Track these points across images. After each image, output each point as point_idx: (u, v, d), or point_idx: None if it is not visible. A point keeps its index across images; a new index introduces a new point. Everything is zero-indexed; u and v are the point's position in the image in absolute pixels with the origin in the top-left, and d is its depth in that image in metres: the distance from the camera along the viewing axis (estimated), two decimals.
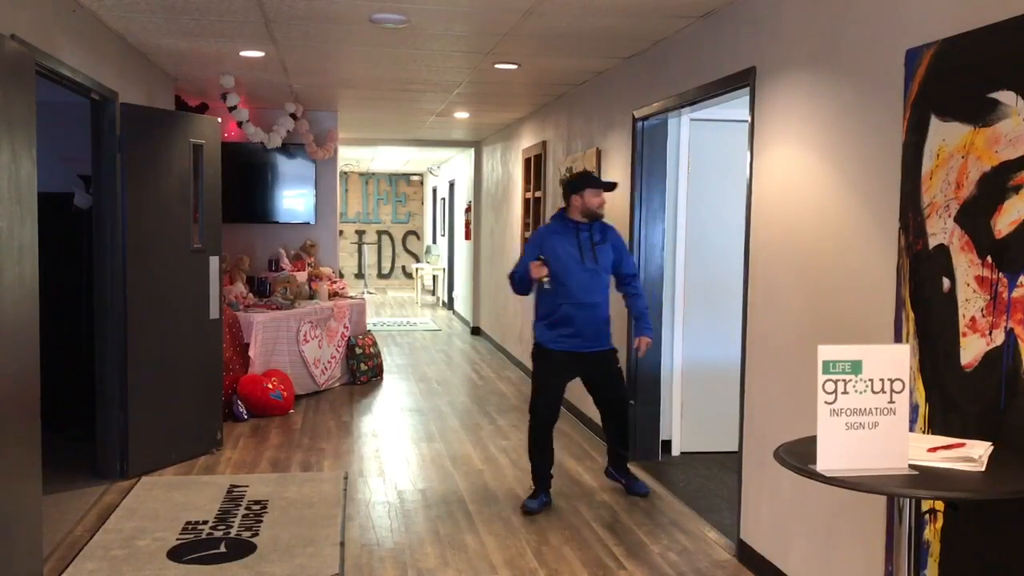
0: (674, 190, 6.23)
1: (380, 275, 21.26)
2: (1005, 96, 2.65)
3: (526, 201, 9.61)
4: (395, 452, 6.43)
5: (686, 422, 6.35)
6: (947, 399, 2.89)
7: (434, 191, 19.17)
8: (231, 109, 7.92)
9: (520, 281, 5.07)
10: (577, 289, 4.96)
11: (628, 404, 5.39)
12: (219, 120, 6.40)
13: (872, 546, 3.33)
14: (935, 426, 2.93)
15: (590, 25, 5.26)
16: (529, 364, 9.33)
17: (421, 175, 21.05)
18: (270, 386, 7.39)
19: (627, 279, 5.16)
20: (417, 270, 19.14)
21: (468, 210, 13.75)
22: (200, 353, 6.08)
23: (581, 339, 5.01)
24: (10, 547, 3.72)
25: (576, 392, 7.54)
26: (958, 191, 2.84)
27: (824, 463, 2.33)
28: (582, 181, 5.09)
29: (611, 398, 5.30)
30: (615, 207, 6.45)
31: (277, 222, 9.52)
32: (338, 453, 6.36)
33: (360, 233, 21.13)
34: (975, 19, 2.78)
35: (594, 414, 6.96)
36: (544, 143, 8.80)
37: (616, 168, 6.48)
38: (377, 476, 5.81)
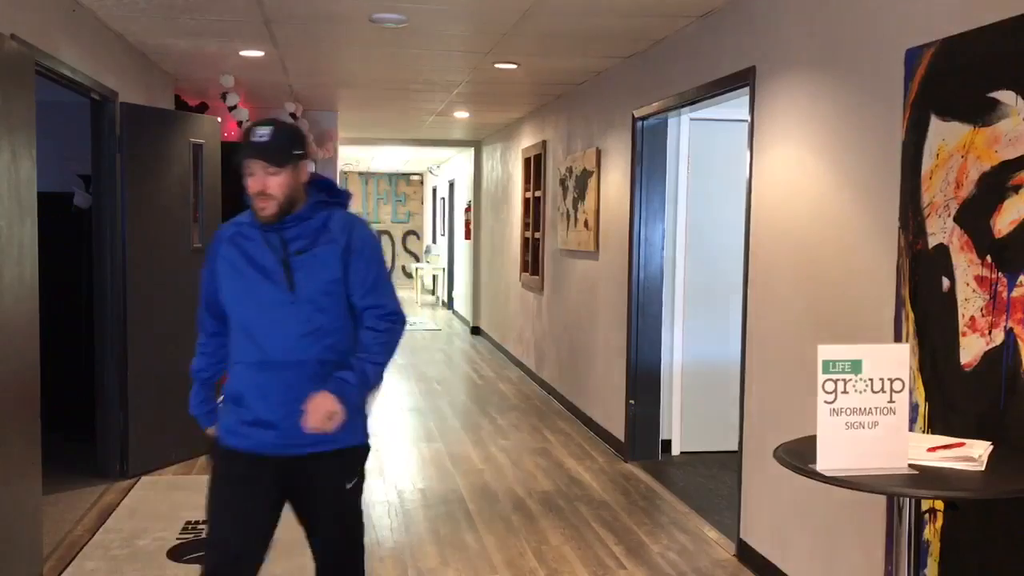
0: (674, 190, 6.23)
1: None
2: (1005, 96, 2.65)
3: (526, 201, 9.61)
4: (395, 452, 6.44)
5: (686, 422, 6.35)
6: (947, 399, 2.89)
7: (434, 191, 19.18)
8: (231, 109, 7.92)
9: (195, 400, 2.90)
10: (254, 336, 2.67)
11: None
12: (219, 120, 6.40)
13: (872, 546, 3.33)
14: (935, 426, 2.93)
15: (590, 25, 5.26)
16: (530, 364, 9.40)
17: (421, 175, 21.05)
18: None
19: (364, 313, 2.73)
20: (417, 270, 19.15)
21: (468, 210, 13.75)
22: None
23: (268, 430, 2.65)
24: (10, 547, 3.72)
25: (573, 389, 7.55)
26: (958, 191, 2.84)
27: (824, 463, 2.33)
28: (238, 147, 2.70)
29: (326, 565, 2.86)
30: (615, 207, 6.46)
31: None
32: None
33: None
34: (975, 19, 2.78)
35: (594, 413, 6.97)
36: (544, 143, 8.80)
37: (616, 168, 6.48)
38: (377, 476, 5.81)
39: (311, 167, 2.76)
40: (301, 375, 2.62)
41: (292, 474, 2.70)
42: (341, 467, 2.73)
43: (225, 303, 2.73)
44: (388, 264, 2.69)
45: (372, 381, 2.69)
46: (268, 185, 2.62)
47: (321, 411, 2.55)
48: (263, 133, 2.63)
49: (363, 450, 2.79)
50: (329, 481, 2.72)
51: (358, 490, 2.80)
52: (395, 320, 2.75)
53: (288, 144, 2.65)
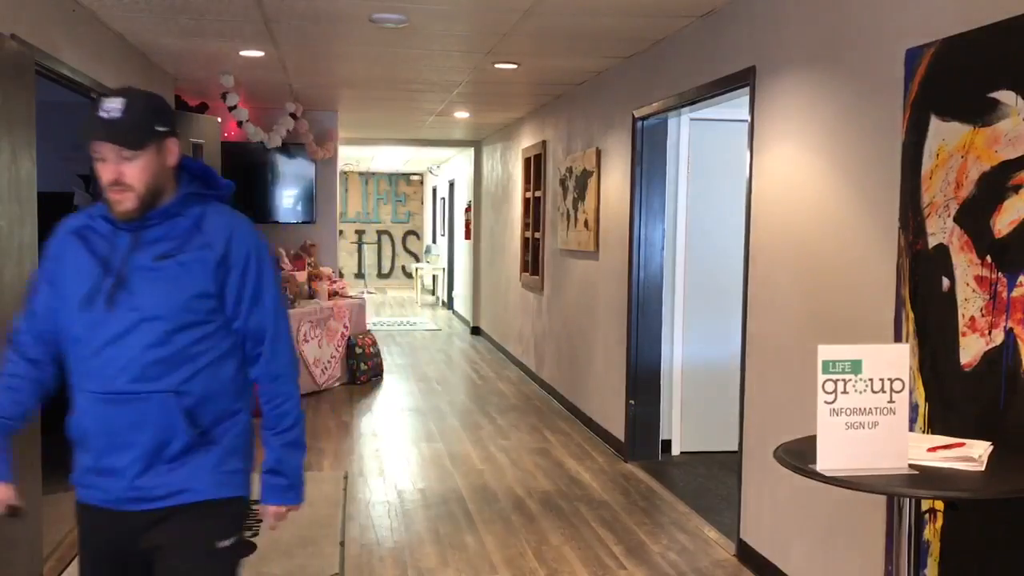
0: (674, 190, 6.23)
1: (380, 275, 21.27)
2: (1005, 96, 2.65)
3: (526, 201, 9.62)
4: (395, 452, 6.44)
5: (686, 422, 6.35)
6: (947, 399, 2.89)
7: (434, 191, 19.19)
8: (231, 109, 7.92)
9: None
10: (96, 359, 2.10)
11: None
12: (219, 120, 6.41)
13: (872, 546, 3.33)
14: (935, 426, 2.93)
15: (590, 25, 5.26)
16: (530, 364, 9.41)
17: (421, 175, 21.06)
18: None
19: (252, 346, 2.22)
20: (417, 270, 19.15)
21: (468, 210, 13.75)
22: None
23: (113, 478, 2.13)
24: (10, 547, 3.72)
25: (573, 389, 7.55)
26: (958, 191, 2.84)
27: (824, 463, 2.33)
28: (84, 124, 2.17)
29: None
30: (615, 207, 6.46)
31: (277, 222, 9.52)
32: (338, 453, 6.37)
33: (360, 233, 21.13)
34: (975, 19, 2.78)
35: (594, 413, 6.97)
36: (544, 143, 8.80)
37: (616, 168, 6.49)
38: (377, 476, 5.81)
39: (180, 147, 2.23)
40: (153, 411, 2.08)
41: (151, 535, 2.13)
42: (211, 522, 2.15)
43: (60, 313, 2.14)
44: (281, 277, 2.06)
45: (301, 456, 2.27)
46: (124, 174, 2.07)
47: (273, 519, 2.26)
48: (113, 107, 2.07)
49: (240, 504, 2.22)
50: (196, 540, 2.14)
51: (236, 553, 2.22)
52: (286, 369, 2.24)
53: (148, 118, 2.12)
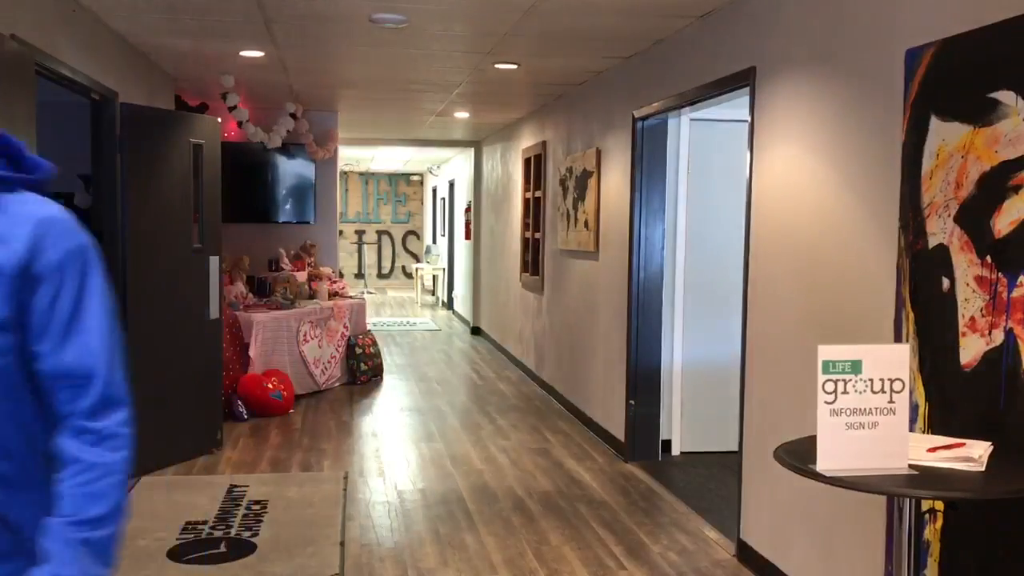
0: (674, 190, 6.23)
1: (380, 275, 21.27)
2: (1005, 96, 2.65)
3: (526, 201, 9.61)
4: (395, 452, 6.43)
5: (686, 422, 6.35)
6: (947, 399, 2.89)
7: (434, 191, 19.18)
8: (231, 109, 7.93)
9: None
10: None
11: None
12: (219, 120, 6.41)
13: (872, 546, 3.33)
14: (935, 426, 2.93)
15: (590, 25, 5.26)
16: (530, 364, 9.41)
17: (421, 175, 21.06)
18: (270, 386, 7.39)
19: (67, 397, 1.46)
20: (417, 270, 19.15)
21: (468, 210, 13.75)
22: (200, 353, 6.08)
23: None
24: None
25: (574, 389, 7.55)
26: (958, 191, 2.84)
27: (824, 463, 2.33)
28: None
29: None
30: (615, 207, 6.46)
31: (277, 222, 9.52)
32: (338, 453, 6.36)
33: (360, 233, 21.12)
34: (975, 19, 2.78)
35: (594, 413, 6.97)
36: (544, 143, 8.80)
37: (616, 168, 6.48)
38: (377, 476, 5.81)
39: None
40: None
41: None
42: None
43: None
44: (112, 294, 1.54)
45: (109, 571, 1.41)
46: None
47: None
48: None
49: None
50: None
51: None
52: (119, 425, 1.50)
53: None
